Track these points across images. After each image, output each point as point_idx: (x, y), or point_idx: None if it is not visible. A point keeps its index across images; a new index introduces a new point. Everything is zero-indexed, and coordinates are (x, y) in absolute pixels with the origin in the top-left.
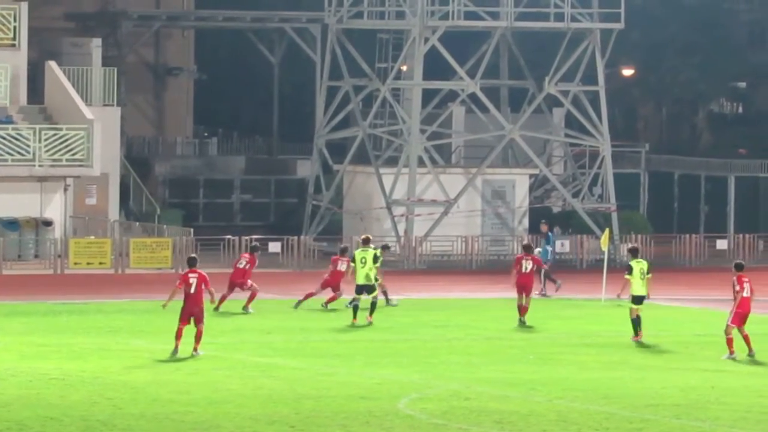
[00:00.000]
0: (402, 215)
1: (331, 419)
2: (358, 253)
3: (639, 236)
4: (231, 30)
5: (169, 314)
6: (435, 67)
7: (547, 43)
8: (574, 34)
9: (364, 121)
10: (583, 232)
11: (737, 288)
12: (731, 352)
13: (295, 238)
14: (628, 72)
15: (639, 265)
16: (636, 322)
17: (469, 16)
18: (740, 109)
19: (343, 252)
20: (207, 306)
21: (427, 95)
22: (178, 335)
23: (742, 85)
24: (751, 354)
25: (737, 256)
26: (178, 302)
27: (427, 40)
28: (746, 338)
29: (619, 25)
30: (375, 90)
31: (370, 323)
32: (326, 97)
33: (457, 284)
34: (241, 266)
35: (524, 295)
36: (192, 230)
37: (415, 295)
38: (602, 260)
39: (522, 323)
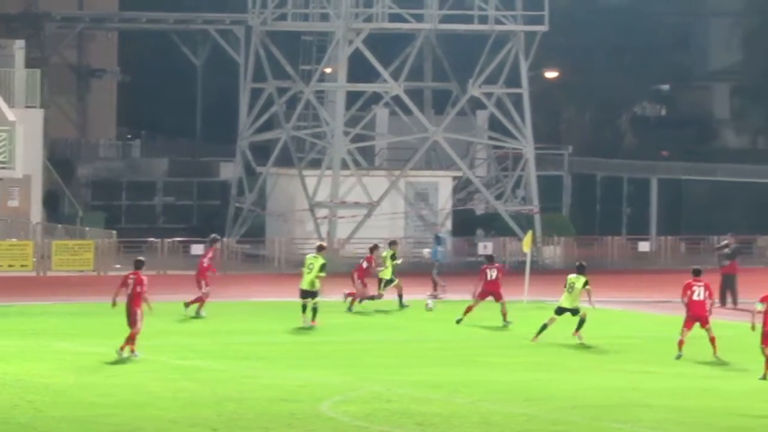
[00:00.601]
0: (325, 217)
1: (253, 422)
2: (308, 259)
3: (562, 238)
4: (154, 32)
5: (93, 317)
6: (359, 70)
7: (471, 46)
8: (498, 36)
9: (288, 123)
10: (506, 235)
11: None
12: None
13: (221, 239)
14: (551, 75)
15: (572, 280)
16: (544, 327)
17: (394, 18)
18: (663, 112)
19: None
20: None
21: (351, 97)
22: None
23: (665, 87)
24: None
25: (659, 258)
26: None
27: (351, 42)
28: (711, 340)
29: (543, 28)
30: (299, 92)
31: (312, 326)
32: (250, 99)
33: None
34: (206, 264)
35: (495, 300)
36: (115, 232)
37: (337, 298)
38: (525, 262)
39: (459, 321)
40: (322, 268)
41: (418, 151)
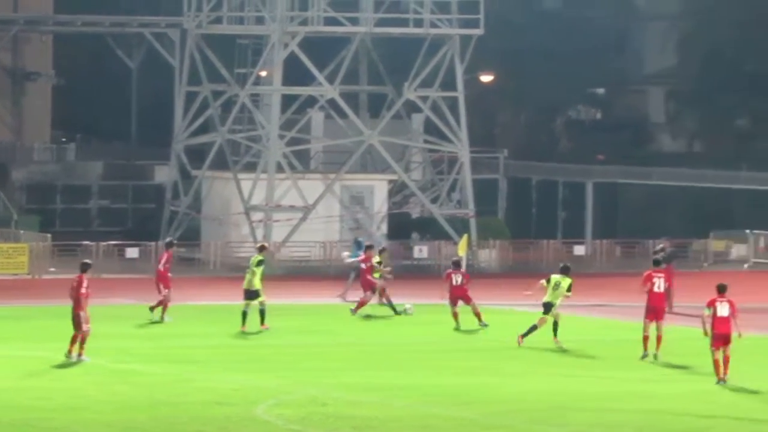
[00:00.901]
0: (260, 221)
1: (187, 425)
2: (253, 259)
3: (497, 242)
4: (90, 35)
5: (28, 320)
6: (294, 73)
7: (407, 49)
8: (433, 40)
9: (223, 126)
10: (442, 238)
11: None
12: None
13: (153, 243)
14: (487, 78)
15: (558, 279)
16: (533, 328)
17: (329, 21)
18: (598, 116)
19: (457, 265)
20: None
21: (287, 101)
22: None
23: (601, 91)
24: (655, 354)
25: (595, 261)
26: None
27: (286, 45)
28: (658, 339)
29: (478, 31)
30: (234, 95)
31: (263, 330)
32: (185, 102)
33: (316, 289)
34: (162, 268)
35: (465, 304)
36: (49, 236)
37: (273, 301)
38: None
39: (457, 328)
40: (258, 264)
41: (353, 154)
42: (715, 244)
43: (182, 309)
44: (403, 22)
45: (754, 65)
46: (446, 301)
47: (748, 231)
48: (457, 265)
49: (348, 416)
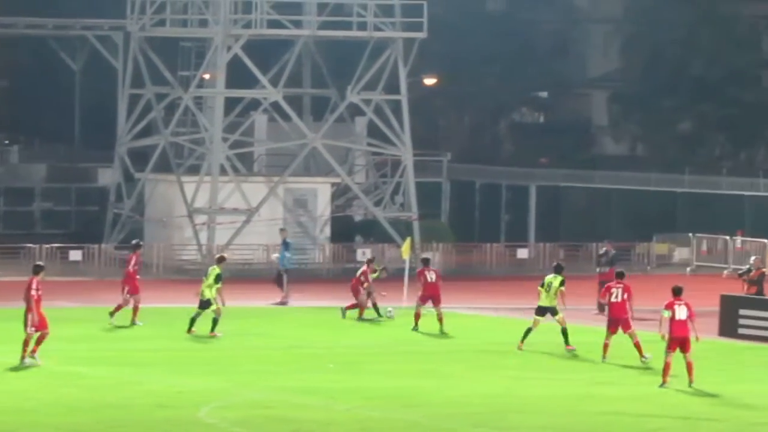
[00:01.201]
0: (204, 223)
1: (132, 428)
2: (211, 272)
3: (440, 245)
4: (33, 37)
5: None
6: (238, 76)
7: (350, 52)
8: (376, 43)
9: (166, 129)
10: (385, 241)
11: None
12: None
13: (97, 246)
14: (430, 81)
15: (550, 279)
16: (528, 332)
17: (272, 24)
18: (542, 119)
19: (426, 263)
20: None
21: (230, 104)
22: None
23: (544, 94)
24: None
25: (538, 264)
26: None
27: (229, 48)
28: (636, 345)
29: (421, 35)
30: (177, 98)
31: (213, 337)
32: (128, 105)
33: (259, 292)
34: (132, 270)
35: (433, 305)
36: None
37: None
38: (404, 269)
39: (415, 329)
40: (216, 279)
41: (296, 157)
42: (658, 248)
43: (125, 311)
44: (347, 26)
45: (697, 69)
46: (414, 302)
47: (690, 234)
48: (426, 262)
49: (290, 419)
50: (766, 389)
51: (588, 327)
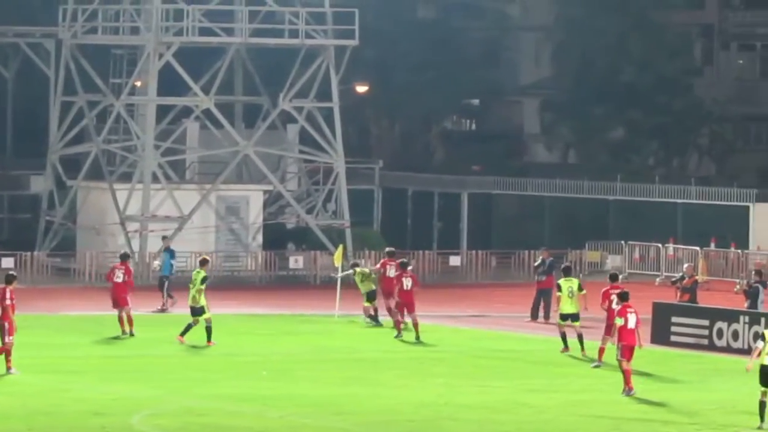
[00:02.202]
0: (136, 231)
1: None
2: (193, 274)
3: (373, 252)
4: None
5: None
6: (170, 83)
7: (282, 60)
8: (308, 50)
9: (98, 136)
10: (317, 248)
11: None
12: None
13: (29, 254)
14: (362, 89)
15: (568, 284)
16: (564, 337)
17: (204, 32)
18: (473, 126)
19: (391, 255)
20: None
21: (162, 111)
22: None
23: (475, 102)
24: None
25: (470, 272)
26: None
27: (161, 55)
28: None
29: (353, 42)
30: (109, 105)
31: (209, 346)
32: (60, 112)
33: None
34: (120, 280)
35: (408, 312)
36: None
37: (149, 311)
38: (336, 277)
39: (398, 336)
40: (203, 281)
41: (228, 164)
42: (590, 255)
43: (56, 319)
44: (279, 33)
45: (628, 76)
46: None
47: (623, 242)
48: (404, 265)
49: (224, 426)
50: (698, 396)
51: (519, 335)
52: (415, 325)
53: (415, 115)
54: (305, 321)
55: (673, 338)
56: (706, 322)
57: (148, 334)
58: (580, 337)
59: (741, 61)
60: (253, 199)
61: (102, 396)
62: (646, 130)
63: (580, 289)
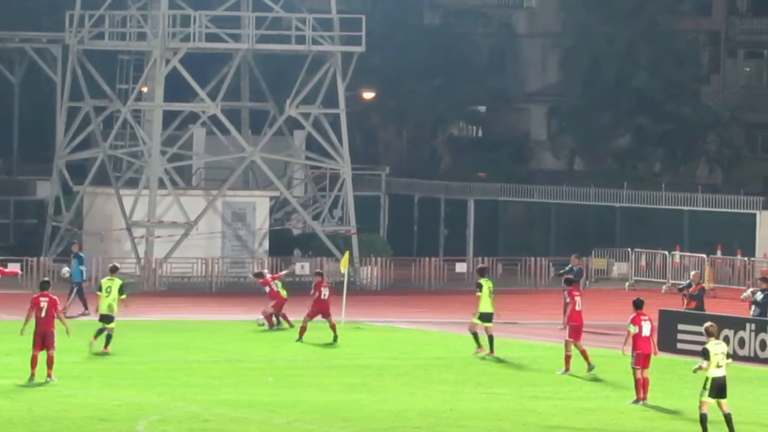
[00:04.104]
0: (142, 237)
1: None
2: (104, 282)
3: (379, 259)
4: None
5: None
6: (176, 89)
7: (289, 66)
8: (315, 56)
9: (105, 142)
10: (323, 255)
11: (567, 300)
12: (567, 369)
13: (35, 259)
14: (368, 95)
15: (488, 284)
16: (476, 337)
17: (211, 38)
18: (479, 133)
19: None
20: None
21: (168, 117)
22: (33, 362)
23: (482, 109)
24: (590, 368)
25: (476, 279)
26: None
27: (168, 61)
28: (584, 353)
29: (360, 49)
30: (116, 111)
31: (106, 353)
32: (67, 117)
33: (198, 306)
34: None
35: (324, 318)
36: None
37: (155, 317)
38: (342, 282)
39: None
40: (121, 290)
41: (235, 170)
42: (597, 262)
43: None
44: (285, 39)
45: (636, 83)
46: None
47: (629, 249)
48: (320, 275)
49: None
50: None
51: (524, 342)
52: (333, 327)
53: (422, 121)
54: (311, 327)
55: (680, 345)
56: None
57: (152, 339)
58: (491, 339)
59: (748, 69)
60: (259, 205)
61: (107, 402)
62: (653, 137)
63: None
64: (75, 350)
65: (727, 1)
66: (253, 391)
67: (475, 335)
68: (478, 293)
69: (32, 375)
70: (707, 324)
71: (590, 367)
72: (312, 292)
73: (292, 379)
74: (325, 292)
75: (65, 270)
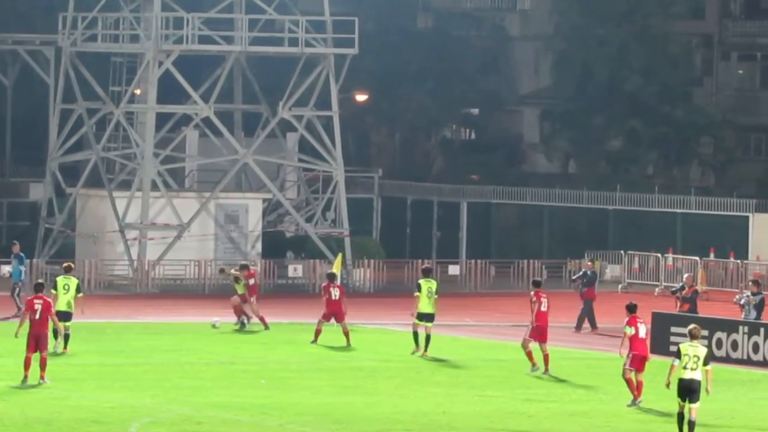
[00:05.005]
0: (135, 239)
1: None
2: (60, 279)
3: (372, 261)
4: None
5: None
6: (169, 91)
7: (282, 68)
8: (308, 59)
9: (98, 144)
10: (316, 257)
11: (534, 300)
12: (533, 365)
13: (28, 261)
14: (361, 98)
15: (428, 284)
16: (416, 337)
17: (204, 40)
18: (472, 136)
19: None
20: None
21: (161, 119)
22: (27, 364)
23: (475, 111)
24: (546, 372)
25: (469, 281)
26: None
27: (161, 63)
28: (546, 357)
29: (352, 51)
30: (109, 113)
31: (64, 353)
32: (60, 119)
33: (190, 308)
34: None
35: (337, 321)
36: None
37: (147, 319)
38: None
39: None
40: (79, 288)
41: (228, 173)
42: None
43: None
44: (278, 41)
45: (629, 86)
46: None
47: (622, 251)
48: (332, 277)
49: None
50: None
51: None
52: (346, 333)
53: (415, 124)
54: (303, 330)
55: (673, 348)
56: (705, 332)
57: (145, 342)
58: (428, 338)
59: (741, 72)
60: (252, 208)
61: (100, 404)
62: (646, 139)
63: (436, 291)
64: (68, 353)
65: (721, 4)
66: (246, 394)
67: (416, 335)
68: (417, 293)
69: (25, 377)
70: (691, 326)
71: (535, 368)
72: (322, 293)
73: (284, 381)
74: (334, 293)
75: (7, 270)
